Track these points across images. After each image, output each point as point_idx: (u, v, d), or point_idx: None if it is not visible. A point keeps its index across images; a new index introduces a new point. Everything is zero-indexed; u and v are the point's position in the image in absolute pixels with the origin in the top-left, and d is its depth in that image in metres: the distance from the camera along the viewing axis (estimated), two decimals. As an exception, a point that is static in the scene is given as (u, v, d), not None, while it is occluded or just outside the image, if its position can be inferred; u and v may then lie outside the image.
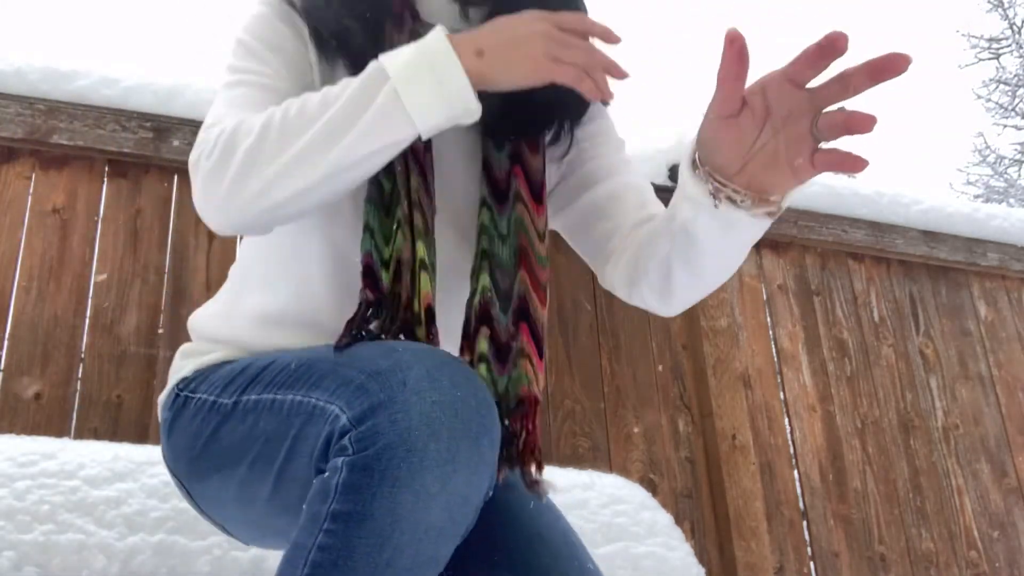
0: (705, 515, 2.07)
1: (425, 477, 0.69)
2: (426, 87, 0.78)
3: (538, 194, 0.99)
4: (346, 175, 0.82)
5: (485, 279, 0.95)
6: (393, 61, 0.80)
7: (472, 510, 0.74)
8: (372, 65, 0.82)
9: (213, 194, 0.85)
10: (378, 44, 0.92)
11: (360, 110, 0.79)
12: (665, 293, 0.97)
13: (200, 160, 0.86)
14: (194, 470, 0.97)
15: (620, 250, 1.02)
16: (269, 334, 0.98)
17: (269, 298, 1.00)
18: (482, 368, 0.92)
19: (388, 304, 0.87)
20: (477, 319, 0.93)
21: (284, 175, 0.81)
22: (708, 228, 0.84)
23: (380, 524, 0.69)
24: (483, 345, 0.92)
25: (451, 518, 0.72)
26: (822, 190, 2.51)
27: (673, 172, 2.33)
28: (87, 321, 1.73)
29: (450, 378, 0.73)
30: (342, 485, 0.71)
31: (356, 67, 0.87)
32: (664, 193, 2.53)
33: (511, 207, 0.97)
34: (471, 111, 0.80)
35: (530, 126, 1.01)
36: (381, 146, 0.80)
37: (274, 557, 1.18)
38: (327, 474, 0.73)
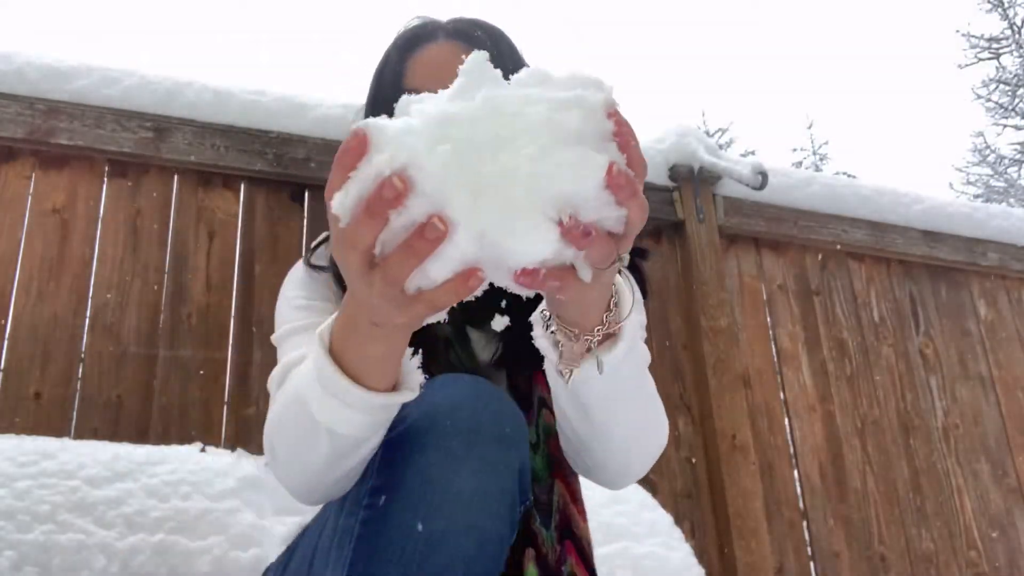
0: (705, 515, 2.07)
1: (451, 441, 0.74)
2: (332, 405, 0.72)
3: None
4: (346, 448, 0.76)
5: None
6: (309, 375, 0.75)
7: (506, 485, 0.76)
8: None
9: (283, 479, 0.87)
10: None
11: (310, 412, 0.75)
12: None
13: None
14: None
15: None
16: None
17: None
18: None
19: None
20: (521, 537, 0.89)
21: (302, 471, 0.81)
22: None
23: (411, 489, 0.73)
24: (532, 572, 0.89)
25: (481, 486, 0.74)
26: (822, 190, 2.51)
27: (673, 172, 2.33)
28: (87, 321, 1.73)
29: (471, 381, 0.80)
30: (378, 463, 0.77)
31: None
32: (664, 193, 2.51)
33: (537, 413, 0.96)
34: (388, 406, 0.72)
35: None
36: (349, 432, 0.74)
37: (273, 558, 1.18)
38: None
